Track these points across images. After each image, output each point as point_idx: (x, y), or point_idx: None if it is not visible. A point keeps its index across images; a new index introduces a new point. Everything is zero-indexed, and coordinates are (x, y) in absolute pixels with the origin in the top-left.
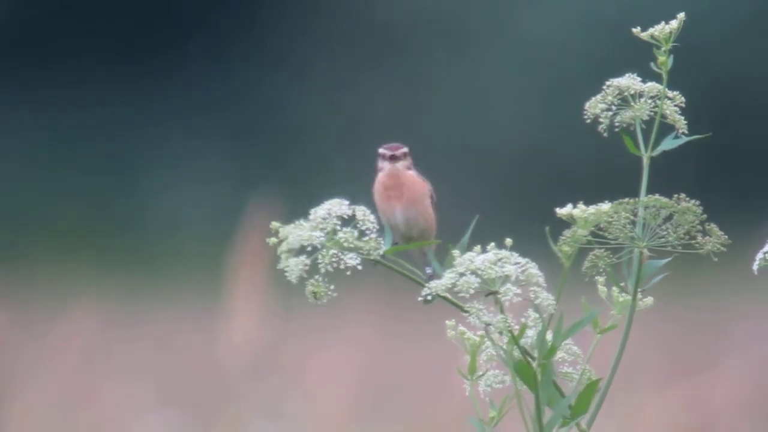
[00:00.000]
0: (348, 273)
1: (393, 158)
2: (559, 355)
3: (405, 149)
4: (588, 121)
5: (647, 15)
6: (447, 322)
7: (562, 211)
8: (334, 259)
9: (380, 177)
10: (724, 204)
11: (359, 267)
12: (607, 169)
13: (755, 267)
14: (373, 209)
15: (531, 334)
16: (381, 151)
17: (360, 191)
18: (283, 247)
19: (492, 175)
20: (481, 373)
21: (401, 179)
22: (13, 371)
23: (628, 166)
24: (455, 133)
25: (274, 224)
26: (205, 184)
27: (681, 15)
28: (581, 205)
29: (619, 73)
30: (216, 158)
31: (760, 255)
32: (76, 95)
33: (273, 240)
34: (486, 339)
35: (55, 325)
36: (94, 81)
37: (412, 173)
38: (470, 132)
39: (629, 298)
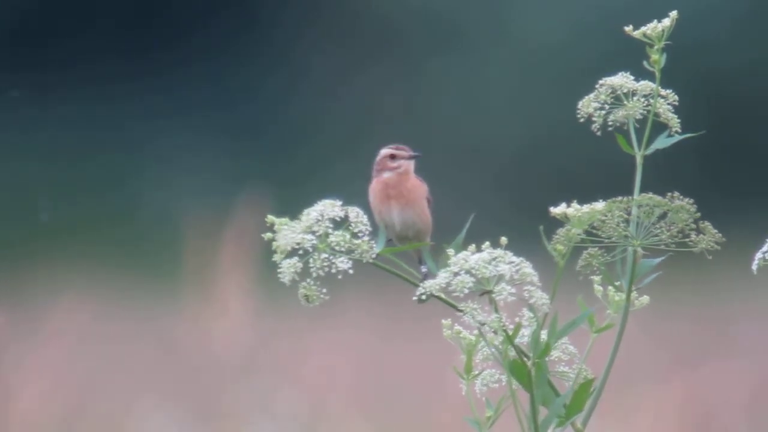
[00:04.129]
0: (339, 277)
1: (412, 158)
2: (556, 354)
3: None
4: (581, 120)
5: (649, 15)
6: (443, 321)
7: (556, 210)
8: (325, 264)
9: (390, 175)
10: (722, 202)
11: (350, 271)
12: (608, 168)
13: (755, 266)
14: (365, 209)
15: (526, 333)
16: (392, 151)
17: (361, 192)
18: (277, 247)
19: (491, 174)
20: (477, 372)
21: (409, 178)
22: (8, 365)
23: (629, 164)
24: (455, 132)
25: (270, 218)
26: (204, 183)
27: (673, 13)
28: (575, 204)
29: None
30: (216, 157)
31: (759, 255)
32: (76, 94)
33: (268, 235)
34: (482, 338)
35: (49, 319)
36: (93, 79)
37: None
38: (470, 131)
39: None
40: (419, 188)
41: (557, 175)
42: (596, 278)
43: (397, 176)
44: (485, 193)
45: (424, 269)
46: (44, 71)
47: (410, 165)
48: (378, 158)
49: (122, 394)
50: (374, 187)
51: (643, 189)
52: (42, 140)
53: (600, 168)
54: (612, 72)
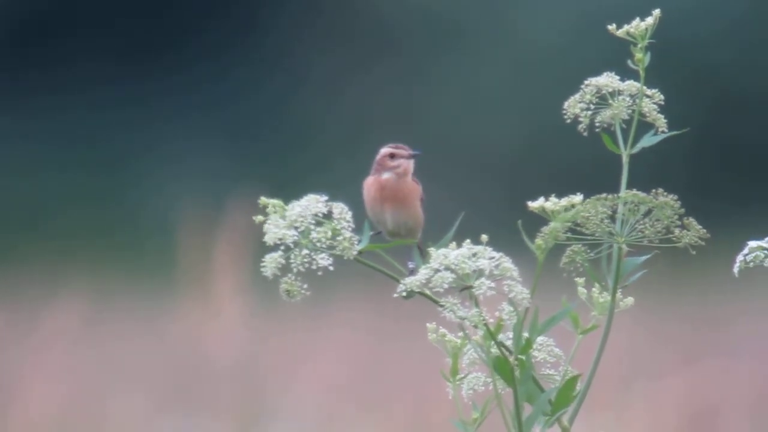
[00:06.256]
0: (320, 273)
1: (412, 157)
2: (541, 356)
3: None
4: (568, 120)
5: (648, 15)
6: (428, 324)
7: (534, 204)
8: (306, 260)
9: (389, 176)
10: (716, 203)
11: (331, 268)
12: (608, 167)
13: (736, 269)
14: (362, 206)
15: (510, 335)
16: (392, 150)
17: (361, 192)
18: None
19: (490, 173)
20: (463, 375)
21: (406, 181)
22: (8, 370)
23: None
24: (454, 131)
25: (263, 200)
26: (202, 184)
27: (656, 12)
28: (553, 198)
29: (618, 72)
30: (216, 158)
31: (740, 257)
32: (74, 96)
33: (259, 218)
34: (467, 341)
35: (46, 321)
36: (91, 82)
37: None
38: (469, 130)
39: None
40: (414, 191)
41: (556, 174)
42: (580, 281)
43: (396, 177)
44: (484, 192)
45: (411, 265)
46: (42, 77)
47: (410, 164)
48: (378, 157)
49: (119, 394)
50: (369, 185)
51: (635, 188)
52: (40, 142)
53: (600, 167)
54: (614, 72)
